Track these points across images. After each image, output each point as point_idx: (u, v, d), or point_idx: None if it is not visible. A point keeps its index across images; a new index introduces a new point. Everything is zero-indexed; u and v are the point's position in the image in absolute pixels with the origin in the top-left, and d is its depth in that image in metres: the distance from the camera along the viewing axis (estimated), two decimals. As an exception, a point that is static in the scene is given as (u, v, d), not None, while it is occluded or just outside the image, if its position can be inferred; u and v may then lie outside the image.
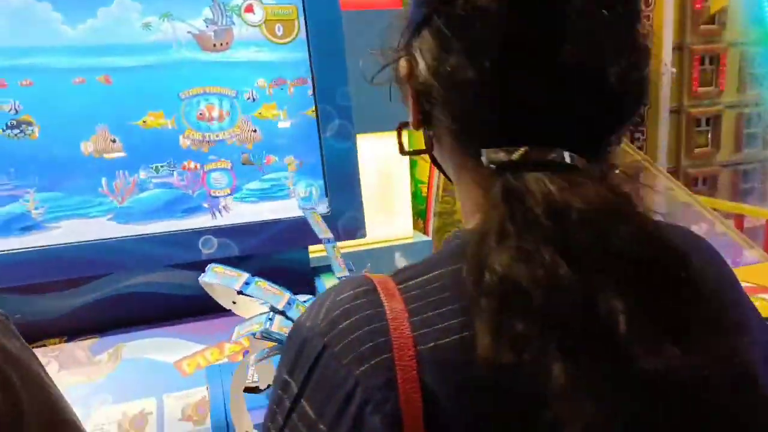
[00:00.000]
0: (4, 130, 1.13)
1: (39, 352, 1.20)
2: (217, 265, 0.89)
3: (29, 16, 1.16)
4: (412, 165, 2.24)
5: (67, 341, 1.17)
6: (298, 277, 1.36)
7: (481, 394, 0.36)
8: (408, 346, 0.36)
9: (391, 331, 0.37)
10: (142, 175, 1.21)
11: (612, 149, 0.43)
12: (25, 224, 1.16)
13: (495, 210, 0.39)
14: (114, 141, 1.21)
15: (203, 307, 1.23)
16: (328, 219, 1.30)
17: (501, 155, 0.39)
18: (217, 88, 1.26)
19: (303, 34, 1.32)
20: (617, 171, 0.42)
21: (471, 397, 0.36)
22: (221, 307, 0.97)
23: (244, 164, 1.27)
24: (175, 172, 1.23)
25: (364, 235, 1.35)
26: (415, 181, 2.30)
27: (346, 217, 1.33)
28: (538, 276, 0.35)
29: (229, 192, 1.27)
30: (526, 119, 0.40)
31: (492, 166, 0.40)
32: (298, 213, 1.30)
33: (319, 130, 1.32)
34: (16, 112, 1.14)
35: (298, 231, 1.30)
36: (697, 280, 0.37)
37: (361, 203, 1.35)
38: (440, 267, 0.43)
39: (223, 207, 1.26)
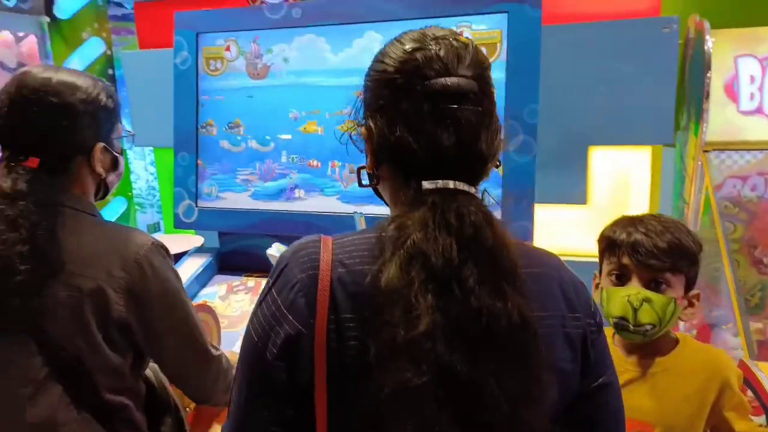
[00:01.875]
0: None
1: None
2: (280, 243, 1.29)
3: (311, 48, 1.65)
4: (678, 181, 2.05)
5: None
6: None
7: (363, 300, 0.63)
8: (327, 270, 0.66)
9: (321, 262, 0.67)
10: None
11: (483, 181, 0.71)
12: (289, 195, 1.68)
13: (420, 213, 0.64)
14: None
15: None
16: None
17: (430, 185, 0.66)
18: (423, 103, 1.53)
19: (503, 56, 1.47)
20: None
21: (355, 303, 0.64)
22: None
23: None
24: (383, 169, 1.57)
25: (530, 245, 1.44)
26: (677, 198, 2.10)
27: (516, 225, 1.44)
28: (437, 250, 0.61)
29: (421, 189, 1.55)
30: (438, 165, 0.67)
31: (426, 190, 0.66)
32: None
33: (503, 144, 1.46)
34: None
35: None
36: (512, 262, 0.63)
37: (532, 215, 1.43)
38: (362, 234, 0.70)
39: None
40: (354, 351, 0.63)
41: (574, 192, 1.85)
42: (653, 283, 0.98)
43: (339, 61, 1.64)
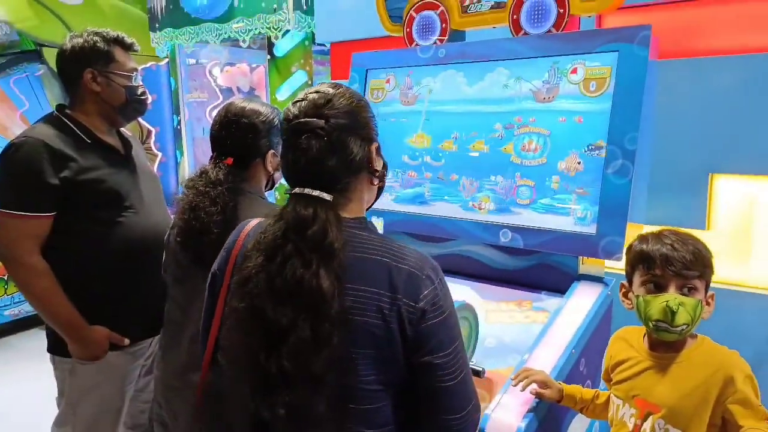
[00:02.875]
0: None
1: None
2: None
3: (450, 81, 1.99)
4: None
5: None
6: (561, 277, 1.75)
7: (244, 261, 0.98)
8: (242, 238, 1.08)
9: (239, 238, 1.09)
10: (478, 182, 1.87)
11: (344, 190, 0.98)
12: (421, 200, 2.03)
13: (279, 209, 0.97)
14: (580, 165, 1.73)
15: (495, 274, 1.83)
16: (593, 238, 1.63)
17: (290, 191, 0.97)
18: (537, 128, 1.77)
19: (611, 90, 1.64)
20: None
21: (243, 258, 0.99)
22: (512, 277, 1.62)
23: (543, 184, 1.75)
24: (498, 184, 1.84)
25: (620, 259, 1.58)
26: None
27: (608, 240, 1.60)
28: (269, 232, 0.94)
29: (528, 203, 1.78)
30: (297, 178, 0.98)
31: (289, 194, 0.98)
32: (573, 228, 1.67)
33: (604, 167, 1.63)
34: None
35: (569, 242, 1.68)
36: (329, 245, 0.90)
37: (624, 231, 1.58)
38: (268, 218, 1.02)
39: (521, 212, 1.78)
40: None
41: (693, 217, 1.90)
42: (685, 289, 1.12)
43: (473, 92, 1.95)
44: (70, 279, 1.64)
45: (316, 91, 0.99)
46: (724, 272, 1.88)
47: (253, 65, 4.26)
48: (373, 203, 1.07)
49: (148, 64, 4.26)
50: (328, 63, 3.71)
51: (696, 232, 1.98)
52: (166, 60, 4.03)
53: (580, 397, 1.32)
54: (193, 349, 1.46)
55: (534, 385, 1.29)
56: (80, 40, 1.72)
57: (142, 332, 1.82)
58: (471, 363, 1.39)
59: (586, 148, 1.68)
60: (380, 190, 1.07)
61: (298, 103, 0.98)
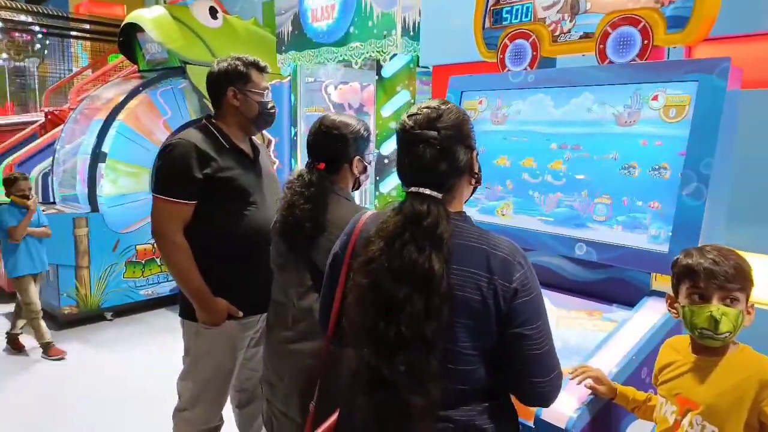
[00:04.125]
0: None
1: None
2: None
3: (538, 104, 2.16)
4: None
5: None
6: (632, 291, 1.84)
7: (363, 247, 1.16)
8: (360, 226, 1.27)
9: (357, 226, 1.28)
10: (558, 196, 2.01)
11: (450, 189, 1.14)
12: (504, 212, 2.20)
13: (398, 204, 1.14)
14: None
15: (571, 285, 1.96)
16: (665, 257, 1.72)
17: (406, 189, 1.14)
18: (617, 150, 1.89)
19: (689, 117, 1.73)
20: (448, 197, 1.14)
21: (364, 242, 1.18)
22: (586, 289, 1.76)
23: (620, 203, 1.86)
24: (577, 200, 1.97)
25: (689, 277, 1.66)
26: None
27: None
28: (390, 222, 1.11)
29: (604, 219, 1.89)
30: (413, 179, 1.14)
31: (406, 192, 1.15)
32: (647, 246, 1.77)
33: (680, 189, 1.72)
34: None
35: (642, 258, 1.78)
36: (439, 234, 1.06)
37: (694, 251, 1.65)
38: (383, 212, 1.18)
39: (596, 228, 1.90)
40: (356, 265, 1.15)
41: (774, 245, 1.90)
42: (728, 300, 1.21)
43: (559, 114, 2.10)
44: (203, 257, 1.99)
45: (428, 107, 1.15)
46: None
47: (364, 84, 4.61)
48: (468, 198, 1.26)
49: (274, 81, 4.76)
50: (431, 83, 3.97)
51: (779, 260, 1.99)
52: (289, 78, 4.48)
53: (632, 398, 1.42)
54: (294, 326, 1.74)
55: (589, 381, 1.42)
56: (225, 64, 2.09)
57: (253, 308, 2.13)
58: None
59: (654, 168, 1.77)
60: (474, 188, 1.26)
61: (413, 116, 1.15)
